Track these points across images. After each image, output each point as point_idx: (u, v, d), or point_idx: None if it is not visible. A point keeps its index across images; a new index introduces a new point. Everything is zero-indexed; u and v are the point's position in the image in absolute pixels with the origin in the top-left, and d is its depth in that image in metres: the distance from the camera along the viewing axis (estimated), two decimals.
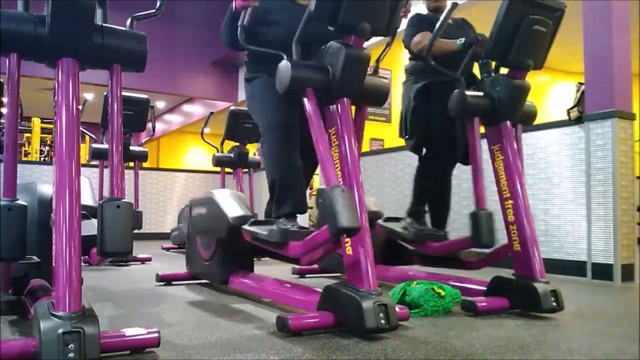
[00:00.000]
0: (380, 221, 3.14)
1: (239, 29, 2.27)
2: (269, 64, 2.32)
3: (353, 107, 2.25)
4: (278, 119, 2.41)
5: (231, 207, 2.53)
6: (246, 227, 2.41)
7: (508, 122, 2.56)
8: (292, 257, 2.21)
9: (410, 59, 3.10)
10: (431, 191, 3.07)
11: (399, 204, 4.81)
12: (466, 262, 2.80)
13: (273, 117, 2.43)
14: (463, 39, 2.73)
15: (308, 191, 9.04)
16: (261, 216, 2.69)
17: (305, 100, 2.07)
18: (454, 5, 2.47)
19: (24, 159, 9.74)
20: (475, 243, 2.48)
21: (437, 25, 2.53)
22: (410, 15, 2.76)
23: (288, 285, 2.50)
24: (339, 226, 1.79)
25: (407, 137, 3.10)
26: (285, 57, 2.11)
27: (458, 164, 3.06)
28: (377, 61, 2.49)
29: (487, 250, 2.63)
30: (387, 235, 3.08)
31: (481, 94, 2.53)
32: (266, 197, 2.55)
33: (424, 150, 3.10)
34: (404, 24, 2.73)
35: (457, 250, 2.78)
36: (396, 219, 3.15)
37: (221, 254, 2.88)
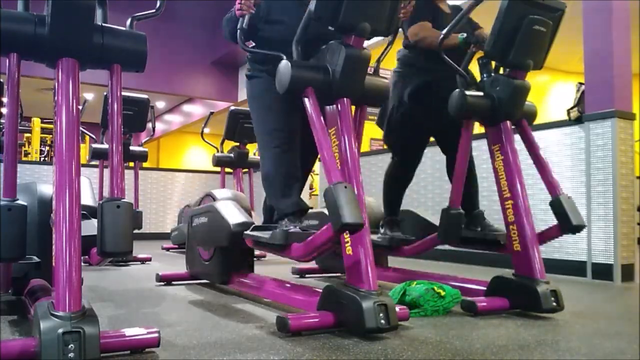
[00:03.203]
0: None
1: (238, 32, 2.28)
2: (270, 62, 2.34)
3: (353, 107, 2.25)
4: (282, 124, 2.40)
5: (232, 214, 2.55)
6: (248, 232, 2.41)
7: (508, 122, 2.56)
8: (294, 259, 2.20)
9: (404, 46, 2.99)
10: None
11: None
12: None
13: (278, 122, 2.42)
14: (465, 34, 2.69)
15: (308, 191, 9.05)
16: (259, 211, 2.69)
17: (306, 99, 2.07)
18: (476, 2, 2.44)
19: (24, 159, 9.75)
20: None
21: (452, 22, 2.49)
22: None
23: (288, 285, 2.50)
24: (343, 222, 1.76)
25: (387, 131, 3.05)
26: (284, 58, 2.11)
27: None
28: (378, 61, 2.49)
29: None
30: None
31: (481, 94, 2.53)
32: None
33: (395, 154, 3.08)
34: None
35: (427, 249, 2.90)
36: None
37: (221, 254, 2.88)
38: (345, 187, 1.83)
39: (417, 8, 2.91)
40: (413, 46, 2.86)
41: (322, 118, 2.04)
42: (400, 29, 2.68)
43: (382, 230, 3.07)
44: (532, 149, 2.61)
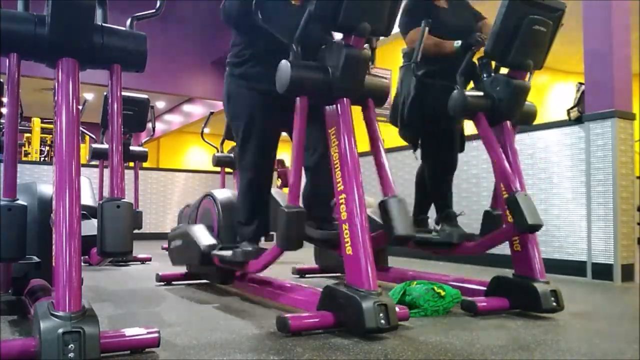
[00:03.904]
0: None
1: (254, 6, 2.17)
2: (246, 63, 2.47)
3: (358, 107, 2.25)
4: (255, 134, 2.48)
5: (203, 237, 2.85)
6: (215, 252, 2.67)
7: (508, 122, 2.56)
8: (252, 272, 2.61)
9: (404, 53, 3.02)
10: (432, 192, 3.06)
11: None
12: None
13: (245, 139, 2.51)
14: (460, 42, 2.69)
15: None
16: None
17: (298, 102, 2.10)
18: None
19: (24, 159, 9.75)
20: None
21: (416, 48, 2.54)
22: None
23: (288, 285, 2.50)
24: (279, 245, 2.11)
25: (401, 126, 3.04)
26: (294, 48, 2.10)
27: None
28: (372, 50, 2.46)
29: None
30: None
31: (481, 93, 2.53)
32: None
33: (420, 149, 3.06)
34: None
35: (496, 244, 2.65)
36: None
37: None
38: (299, 212, 2.06)
39: (411, 8, 2.91)
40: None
41: (304, 131, 2.11)
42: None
43: (439, 227, 2.96)
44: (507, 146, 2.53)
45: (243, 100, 2.50)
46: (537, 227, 2.31)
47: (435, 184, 3.03)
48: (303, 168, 2.23)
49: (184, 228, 3.07)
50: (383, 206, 2.11)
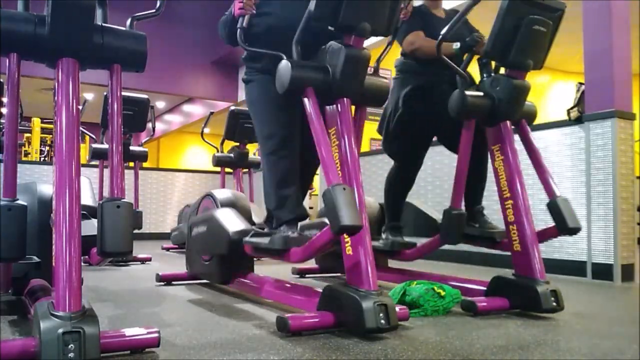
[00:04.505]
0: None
1: (238, 31, 2.30)
2: (265, 61, 2.37)
3: (353, 107, 2.25)
4: (276, 130, 2.39)
5: (231, 222, 2.58)
6: (247, 239, 2.44)
7: (508, 122, 2.56)
8: (294, 262, 2.25)
9: (402, 54, 3.01)
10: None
11: None
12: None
13: (271, 128, 2.42)
14: (459, 44, 2.69)
15: (308, 191, 9.06)
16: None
17: (306, 100, 2.07)
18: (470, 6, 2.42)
19: (24, 159, 9.75)
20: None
21: (448, 26, 2.46)
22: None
23: (288, 285, 2.50)
24: (341, 224, 1.78)
25: (387, 139, 3.03)
26: (284, 57, 2.11)
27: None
28: (378, 61, 2.49)
29: None
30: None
31: (481, 94, 2.53)
32: None
33: (396, 160, 3.06)
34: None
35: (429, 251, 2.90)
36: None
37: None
38: (344, 188, 1.83)
39: (411, 13, 2.91)
40: (410, 54, 2.87)
41: (321, 119, 2.04)
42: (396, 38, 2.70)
43: (384, 236, 3.07)
44: (531, 149, 2.60)
45: (263, 90, 2.45)
46: (576, 230, 2.44)
47: (399, 196, 3.07)
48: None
49: (209, 212, 2.82)
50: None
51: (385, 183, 3.10)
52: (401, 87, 2.93)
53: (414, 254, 2.97)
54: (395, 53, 3.00)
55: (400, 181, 3.05)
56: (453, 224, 2.62)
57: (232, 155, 5.66)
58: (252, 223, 2.83)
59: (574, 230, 2.44)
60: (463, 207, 2.71)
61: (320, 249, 2.05)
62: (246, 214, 2.92)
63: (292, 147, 2.41)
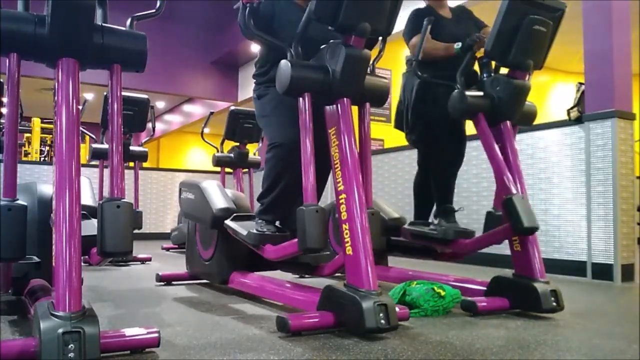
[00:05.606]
0: (406, 226, 3.05)
1: (246, 13, 2.22)
2: (273, 70, 2.36)
3: (355, 107, 2.25)
4: (286, 139, 2.38)
5: (217, 199, 2.69)
6: (228, 222, 2.56)
7: (508, 122, 2.56)
8: (266, 259, 2.40)
9: (408, 60, 3.04)
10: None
11: (398, 204, 4.81)
12: None
13: (282, 136, 2.41)
14: (460, 43, 2.70)
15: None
16: None
17: (300, 101, 2.09)
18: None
19: (24, 159, 9.75)
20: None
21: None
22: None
23: (288, 285, 2.50)
24: (307, 246, 1.99)
25: (407, 130, 3.05)
26: (292, 51, 2.12)
27: None
28: (373, 63, 2.47)
29: None
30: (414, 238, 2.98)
31: (481, 94, 2.53)
32: None
33: (424, 151, 3.06)
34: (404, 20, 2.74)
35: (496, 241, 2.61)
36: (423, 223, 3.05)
37: (221, 254, 2.88)
38: (317, 211, 1.97)
39: (413, 18, 2.93)
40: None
41: (311, 125, 2.07)
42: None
43: (435, 221, 2.94)
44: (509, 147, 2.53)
45: (271, 97, 2.50)
46: (532, 230, 2.32)
47: (441, 178, 2.98)
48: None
49: (200, 185, 2.88)
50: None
51: (414, 184, 3.11)
52: (412, 79, 2.96)
53: (472, 245, 2.69)
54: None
55: (432, 166, 2.99)
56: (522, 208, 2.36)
57: (232, 155, 5.65)
58: None
59: (530, 230, 2.31)
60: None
61: (290, 256, 2.21)
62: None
63: (296, 157, 2.44)
